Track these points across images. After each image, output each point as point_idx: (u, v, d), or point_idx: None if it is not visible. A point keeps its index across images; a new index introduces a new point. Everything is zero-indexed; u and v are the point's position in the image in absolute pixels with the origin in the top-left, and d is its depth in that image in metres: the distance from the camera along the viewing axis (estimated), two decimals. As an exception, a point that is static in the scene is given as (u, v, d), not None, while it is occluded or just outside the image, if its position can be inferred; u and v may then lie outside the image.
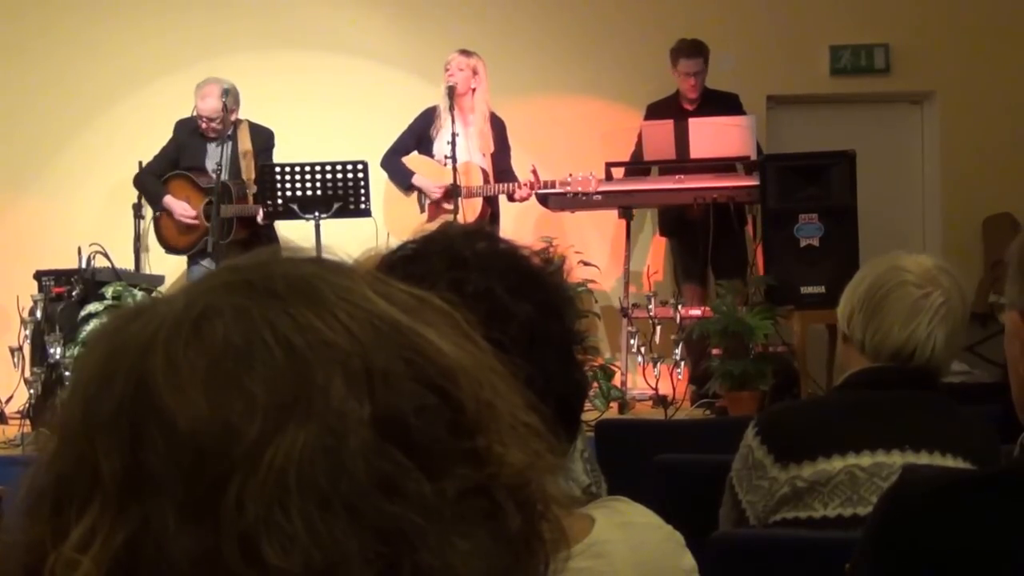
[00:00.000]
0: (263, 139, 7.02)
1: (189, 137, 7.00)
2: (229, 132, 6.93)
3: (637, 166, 7.13)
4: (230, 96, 6.89)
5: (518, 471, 0.71)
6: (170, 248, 7.06)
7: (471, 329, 0.75)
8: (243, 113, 7.04)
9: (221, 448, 0.65)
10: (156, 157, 7.03)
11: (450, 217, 6.52)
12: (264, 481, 0.64)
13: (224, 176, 6.81)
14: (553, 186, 6.72)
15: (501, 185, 6.84)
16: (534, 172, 6.75)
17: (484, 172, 6.87)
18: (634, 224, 7.42)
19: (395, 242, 1.41)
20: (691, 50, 7.18)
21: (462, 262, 1.35)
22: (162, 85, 7.68)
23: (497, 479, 0.69)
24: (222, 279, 0.72)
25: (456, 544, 0.67)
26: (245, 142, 6.97)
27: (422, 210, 6.90)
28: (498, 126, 7.01)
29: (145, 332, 0.70)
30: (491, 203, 6.94)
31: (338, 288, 0.71)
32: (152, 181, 7.02)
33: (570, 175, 6.69)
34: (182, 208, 6.91)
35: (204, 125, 6.91)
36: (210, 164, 6.90)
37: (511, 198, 6.89)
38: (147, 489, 0.65)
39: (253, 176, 6.87)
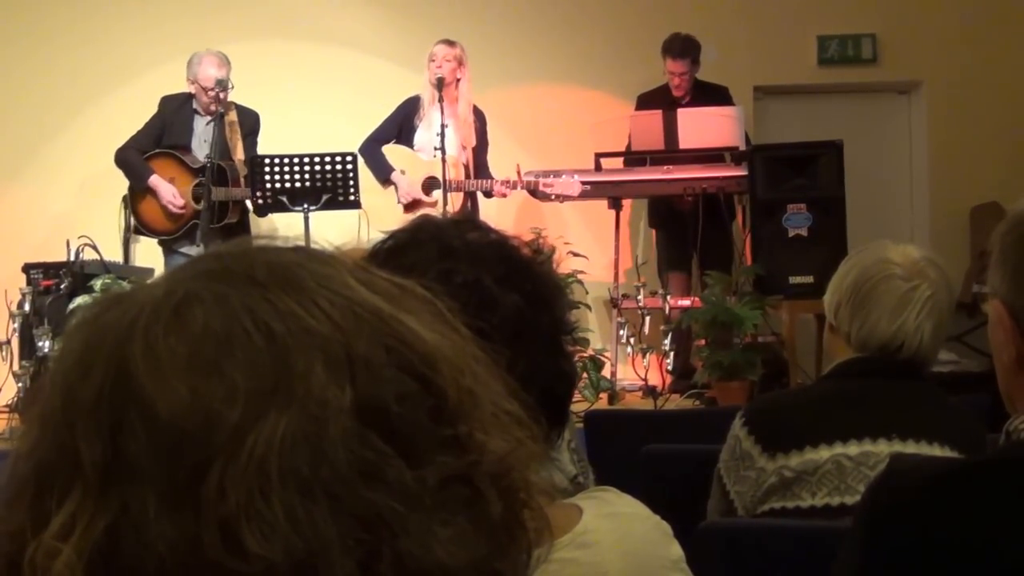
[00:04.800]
0: (250, 121, 6.85)
1: (176, 113, 6.78)
2: (220, 109, 6.70)
3: (633, 156, 7.12)
4: (228, 66, 6.72)
5: (499, 459, 0.71)
6: (150, 230, 6.80)
7: (453, 317, 0.75)
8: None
9: (202, 435, 0.65)
10: (140, 132, 6.79)
11: (429, 211, 6.47)
12: (245, 468, 0.64)
13: (213, 155, 6.63)
14: (537, 185, 6.69)
15: (480, 181, 6.80)
16: (518, 172, 6.73)
17: (464, 166, 6.83)
18: (631, 215, 7.41)
19: (376, 233, 1.40)
20: (679, 50, 7.13)
21: (451, 252, 1.34)
22: (151, 76, 7.63)
23: (478, 467, 0.69)
24: (203, 266, 0.72)
25: (437, 531, 0.67)
26: (234, 122, 6.78)
27: (400, 201, 6.86)
28: (481, 119, 6.96)
29: (124, 319, 0.70)
30: (469, 197, 6.91)
31: (319, 276, 0.71)
32: (136, 157, 6.73)
33: (552, 175, 6.66)
34: (170, 194, 6.65)
35: (207, 95, 6.65)
36: (196, 142, 6.72)
37: (488, 195, 6.86)
38: (128, 476, 0.65)
39: (242, 157, 6.68)
